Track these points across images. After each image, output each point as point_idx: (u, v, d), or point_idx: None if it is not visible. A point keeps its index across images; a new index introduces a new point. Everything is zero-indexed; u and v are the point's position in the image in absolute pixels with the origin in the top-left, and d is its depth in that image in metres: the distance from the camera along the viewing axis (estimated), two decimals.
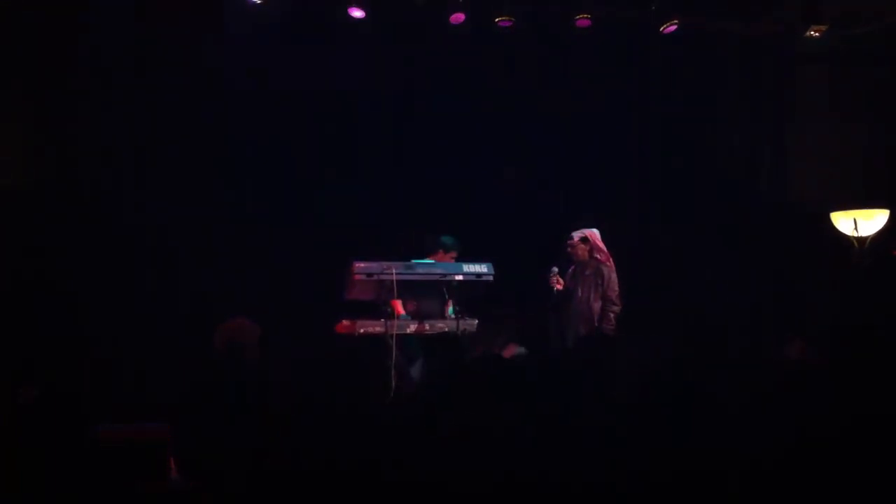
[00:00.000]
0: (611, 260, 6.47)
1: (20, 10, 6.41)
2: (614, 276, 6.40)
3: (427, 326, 5.80)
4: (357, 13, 6.89)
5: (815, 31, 7.31)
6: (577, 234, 6.49)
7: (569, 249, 6.47)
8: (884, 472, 2.32)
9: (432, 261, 6.20)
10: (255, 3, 6.65)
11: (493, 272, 5.87)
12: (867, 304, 6.97)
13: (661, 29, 7.28)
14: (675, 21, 7.22)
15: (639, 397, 2.88)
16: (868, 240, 7.18)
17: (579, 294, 6.37)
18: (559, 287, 6.34)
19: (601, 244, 6.50)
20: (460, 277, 5.79)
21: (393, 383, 5.33)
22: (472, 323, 5.87)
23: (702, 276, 7.80)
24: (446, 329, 5.82)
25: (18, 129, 6.41)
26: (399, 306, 6.02)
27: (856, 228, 7.14)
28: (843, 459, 2.35)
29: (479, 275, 5.84)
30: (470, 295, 5.98)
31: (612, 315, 6.33)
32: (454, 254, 6.32)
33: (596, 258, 6.44)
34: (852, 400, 2.71)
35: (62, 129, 6.58)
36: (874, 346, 3.50)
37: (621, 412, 2.74)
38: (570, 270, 6.48)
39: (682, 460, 2.36)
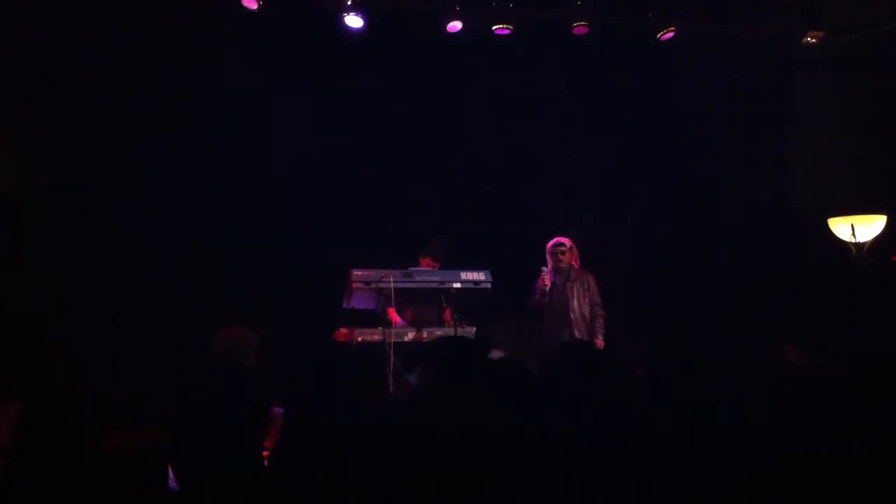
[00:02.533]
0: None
1: (19, 11, 6.42)
2: (595, 281, 6.47)
3: (425, 334, 5.79)
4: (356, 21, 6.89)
5: (813, 37, 7.33)
6: (567, 241, 6.52)
7: (560, 255, 6.47)
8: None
9: (428, 268, 6.21)
10: (250, 9, 6.65)
11: (491, 279, 5.87)
12: (866, 310, 6.96)
13: (659, 36, 7.30)
14: (672, 28, 7.24)
15: (637, 401, 2.86)
16: (866, 245, 7.18)
17: (571, 301, 6.39)
18: (548, 285, 6.34)
19: (576, 252, 6.58)
20: (458, 285, 5.80)
21: (391, 390, 5.33)
22: (470, 331, 5.86)
23: (700, 280, 7.80)
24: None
25: (18, 135, 6.41)
26: (396, 314, 6.01)
27: (853, 234, 7.14)
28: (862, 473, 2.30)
29: (476, 282, 5.83)
30: (468, 302, 5.97)
31: (601, 319, 6.38)
32: (430, 259, 6.32)
33: (575, 265, 6.50)
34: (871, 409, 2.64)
35: (62, 134, 6.58)
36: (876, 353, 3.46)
37: (621, 416, 2.73)
38: (555, 277, 6.47)
39: (684, 467, 2.34)
